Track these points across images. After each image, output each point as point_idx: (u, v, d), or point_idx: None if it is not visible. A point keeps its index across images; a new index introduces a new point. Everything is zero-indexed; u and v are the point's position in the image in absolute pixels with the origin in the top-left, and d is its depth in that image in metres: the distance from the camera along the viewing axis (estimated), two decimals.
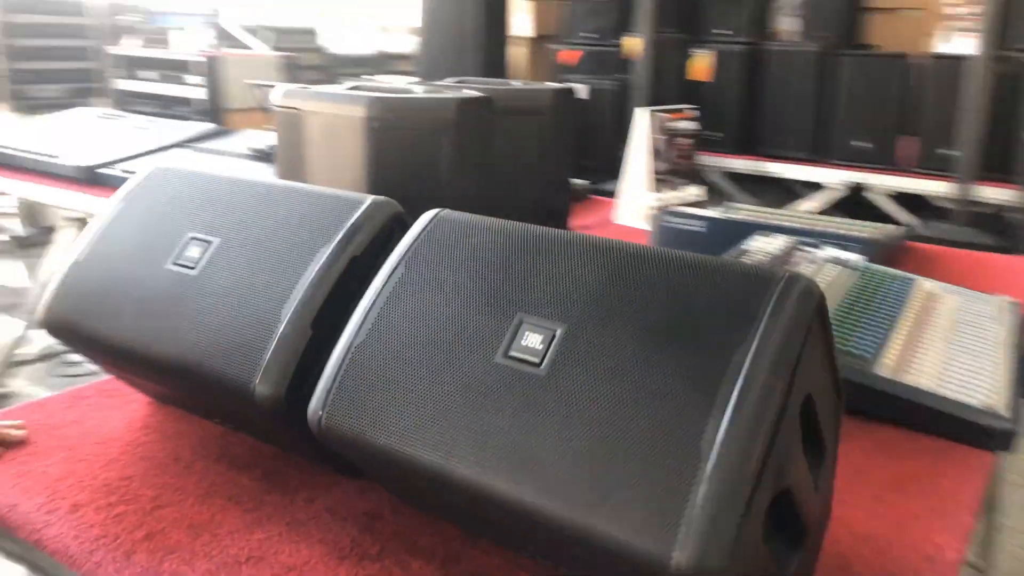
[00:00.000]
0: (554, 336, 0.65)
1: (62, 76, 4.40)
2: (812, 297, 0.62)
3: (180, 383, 0.85)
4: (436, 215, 0.79)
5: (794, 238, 1.62)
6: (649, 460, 0.58)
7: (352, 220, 0.81)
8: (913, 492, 0.92)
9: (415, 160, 1.10)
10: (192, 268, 0.85)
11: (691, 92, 4.24)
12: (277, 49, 4.70)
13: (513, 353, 0.66)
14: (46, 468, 0.88)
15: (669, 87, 4.12)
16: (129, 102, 3.87)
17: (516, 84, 1.38)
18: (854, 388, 1.07)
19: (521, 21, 5.78)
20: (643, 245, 0.69)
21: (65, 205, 2.21)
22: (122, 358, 0.87)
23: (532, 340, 0.66)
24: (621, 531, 0.57)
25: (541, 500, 0.60)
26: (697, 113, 2.11)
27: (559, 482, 0.60)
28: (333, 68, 5.30)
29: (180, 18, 4.06)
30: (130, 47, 4.06)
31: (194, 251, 0.86)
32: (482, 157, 1.19)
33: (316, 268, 0.79)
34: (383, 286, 0.74)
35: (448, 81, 1.34)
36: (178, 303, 0.83)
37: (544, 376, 0.64)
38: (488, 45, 3.97)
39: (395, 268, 0.75)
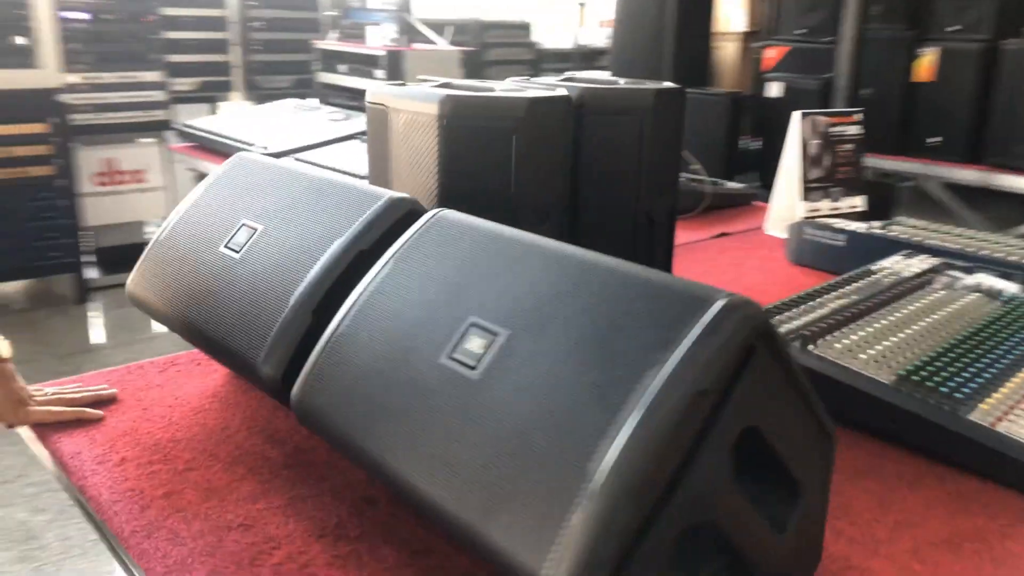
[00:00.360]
0: (494, 341, 0.65)
1: (289, 68, 4.84)
2: (749, 324, 0.57)
3: (213, 356, 0.93)
4: (435, 215, 0.80)
5: (942, 260, 1.47)
6: (544, 475, 0.56)
7: (366, 215, 0.85)
8: (967, 552, 0.82)
9: (485, 158, 1.11)
10: (238, 252, 0.92)
11: (910, 93, 3.90)
12: (483, 44, 4.89)
13: (456, 355, 0.66)
14: (117, 424, 0.99)
15: (883, 88, 3.82)
16: (328, 94, 4.18)
17: (621, 83, 1.35)
18: (934, 430, 0.96)
19: (735, 16, 5.61)
20: (600, 256, 0.67)
21: None
22: (176, 330, 0.96)
23: (475, 344, 0.66)
24: (504, 541, 0.56)
25: (446, 500, 0.61)
26: (862, 117, 1.95)
27: (464, 485, 0.60)
28: (540, 63, 5.40)
29: (376, 14, 4.33)
30: (330, 42, 4.39)
31: (242, 236, 0.93)
32: (558, 158, 1.18)
33: (325, 259, 0.83)
34: (371, 281, 0.77)
35: (553, 79, 1.34)
36: (220, 283, 0.91)
37: (476, 380, 0.64)
38: (684, 40, 3.87)
39: (385, 265, 0.77)
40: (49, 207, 3.44)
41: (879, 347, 1.09)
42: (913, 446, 0.99)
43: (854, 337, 1.12)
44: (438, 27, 4.62)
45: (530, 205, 1.16)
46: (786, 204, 1.92)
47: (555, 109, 1.14)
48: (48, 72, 3.25)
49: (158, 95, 3.91)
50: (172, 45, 4.18)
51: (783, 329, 1.13)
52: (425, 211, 0.87)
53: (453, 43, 4.49)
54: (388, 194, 0.87)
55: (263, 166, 1.04)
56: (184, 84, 4.31)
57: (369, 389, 0.70)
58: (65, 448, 0.94)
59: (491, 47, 5.31)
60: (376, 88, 1.20)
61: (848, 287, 1.30)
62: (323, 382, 0.73)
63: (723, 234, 1.98)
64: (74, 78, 3.64)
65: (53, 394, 1.01)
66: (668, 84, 1.34)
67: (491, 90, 1.18)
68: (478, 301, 0.69)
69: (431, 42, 4.34)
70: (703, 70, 4.26)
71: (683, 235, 2.00)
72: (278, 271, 0.86)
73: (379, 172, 1.23)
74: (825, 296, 1.26)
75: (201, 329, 0.91)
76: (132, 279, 1.03)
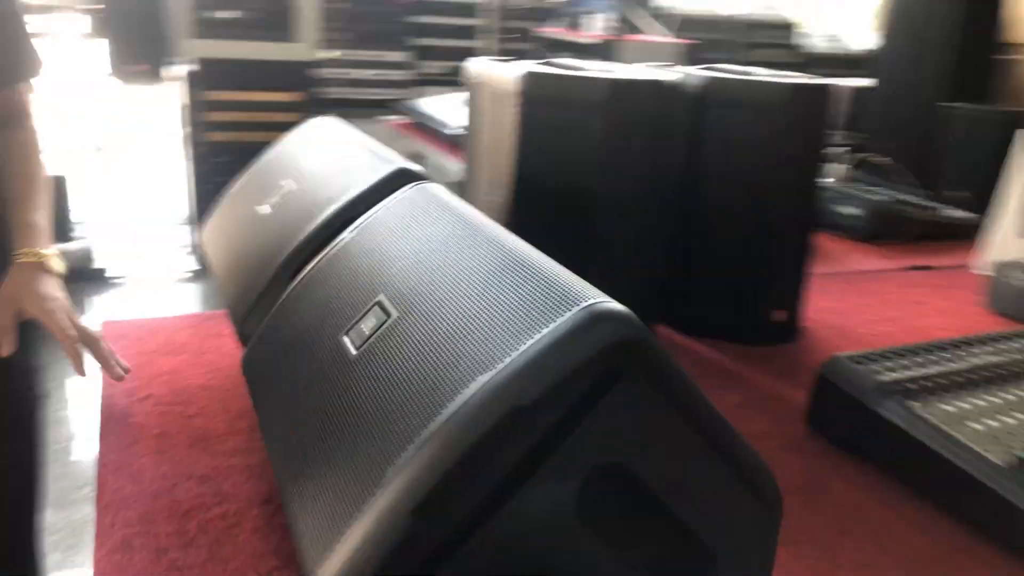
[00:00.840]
0: (384, 322, 0.58)
1: (534, 55, 4.87)
2: (612, 340, 0.46)
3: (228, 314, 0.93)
4: (412, 187, 0.75)
5: None
6: (354, 474, 0.50)
7: (364, 184, 0.81)
8: None
9: (565, 138, 1.03)
10: (267, 211, 0.92)
11: None
12: (747, 44, 4.67)
13: (351, 333, 0.61)
14: (164, 364, 1.03)
15: None
16: None
17: (760, 75, 1.19)
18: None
19: None
20: (525, 247, 0.58)
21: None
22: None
23: (368, 323, 0.60)
24: (303, 534, 0.51)
25: (285, 481, 0.56)
26: None
27: (300, 468, 0.55)
28: (805, 67, 5.01)
29: (597, 2, 4.24)
30: (550, 29, 4.37)
31: (275, 196, 0.93)
32: (657, 148, 1.06)
33: (313, 225, 0.80)
34: (330, 250, 0.73)
35: (693, 68, 1.21)
36: (243, 242, 0.91)
37: (351, 362, 0.58)
38: (960, 48, 3.43)
39: (350, 233, 0.73)
40: None
41: (1006, 419, 0.87)
42: (1019, 547, 0.78)
43: (978, 402, 0.91)
44: (672, 20, 4.46)
45: (616, 196, 1.06)
46: (1004, 240, 1.61)
47: (645, 94, 1.03)
48: (305, 46, 3.55)
49: (402, 75, 4.13)
50: (424, 29, 4.38)
51: (889, 377, 0.94)
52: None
53: (683, 37, 4.31)
54: (396, 164, 0.82)
55: (329, 129, 1.03)
56: (433, 67, 4.51)
57: (284, 362, 0.66)
58: (109, 378, 0.99)
59: (753, 48, 5.02)
60: (473, 63, 1.16)
61: (1011, 343, 1.05)
62: (258, 351, 0.71)
63: (921, 267, 1.71)
64: (329, 54, 3.93)
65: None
66: (814, 80, 1.17)
67: (580, 70, 1.09)
68: (394, 279, 0.63)
69: (651, 33, 4.21)
70: (984, 83, 3.74)
71: (874, 262, 1.75)
72: (278, 232, 0.85)
73: (472, 149, 1.18)
74: (971, 348, 1.03)
75: (223, 285, 0.92)
76: (204, 232, 1.06)
